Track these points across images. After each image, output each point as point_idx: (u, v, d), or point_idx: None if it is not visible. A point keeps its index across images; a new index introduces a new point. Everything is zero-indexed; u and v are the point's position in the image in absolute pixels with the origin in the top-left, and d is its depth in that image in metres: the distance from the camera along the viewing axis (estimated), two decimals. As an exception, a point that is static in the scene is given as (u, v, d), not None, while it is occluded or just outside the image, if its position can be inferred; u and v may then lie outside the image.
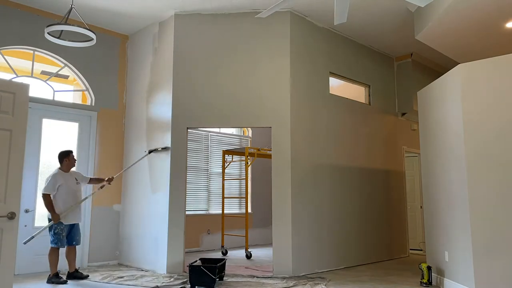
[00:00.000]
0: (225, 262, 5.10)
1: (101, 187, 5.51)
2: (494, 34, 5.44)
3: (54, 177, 5.01)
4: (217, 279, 4.81)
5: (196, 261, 5.02)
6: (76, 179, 5.22)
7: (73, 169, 5.30)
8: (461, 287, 4.31)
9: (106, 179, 5.49)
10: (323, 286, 4.74)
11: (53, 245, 4.94)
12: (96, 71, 6.29)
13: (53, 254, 4.96)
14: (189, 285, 4.64)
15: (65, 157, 5.14)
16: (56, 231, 4.93)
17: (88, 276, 5.15)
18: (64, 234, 4.99)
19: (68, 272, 5.12)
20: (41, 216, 5.57)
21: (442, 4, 4.77)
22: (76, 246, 5.20)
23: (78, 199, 5.17)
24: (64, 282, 4.88)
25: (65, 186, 5.02)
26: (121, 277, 5.19)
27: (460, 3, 4.62)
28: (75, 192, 5.16)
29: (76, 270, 5.15)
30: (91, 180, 5.44)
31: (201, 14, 5.82)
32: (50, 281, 4.90)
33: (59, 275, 4.98)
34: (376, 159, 6.98)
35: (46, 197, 4.93)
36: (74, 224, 5.12)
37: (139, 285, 4.79)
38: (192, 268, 4.63)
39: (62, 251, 5.17)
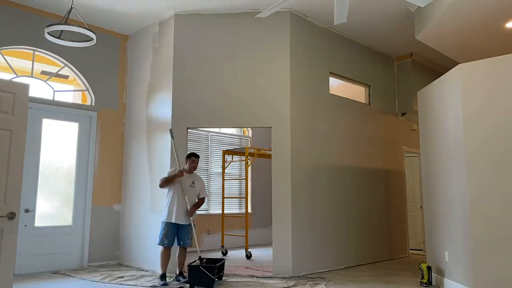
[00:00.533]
0: (224, 262, 5.11)
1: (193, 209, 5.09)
2: (494, 34, 5.44)
3: (174, 170, 5.01)
4: (216, 279, 4.82)
5: (195, 261, 5.02)
6: (193, 182, 5.07)
7: (197, 173, 5.22)
8: (461, 287, 4.31)
9: (191, 209, 4.98)
10: (323, 286, 4.74)
11: (158, 243, 4.90)
12: (96, 71, 6.28)
13: (161, 254, 4.89)
14: (188, 285, 4.64)
15: (187, 158, 5.12)
16: (161, 230, 4.88)
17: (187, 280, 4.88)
18: (165, 233, 4.82)
19: (176, 273, 5.02)
20: (41, 216, 5.58)
21: (442, 4, 4.77)
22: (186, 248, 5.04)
23: (191, 202, 4.97)
24: (165, 285, 4.74)
25: (179, 184, 4.93)
26: (121, 277, 5.19)
27: (460, 3, 4.62)
28: (188, 193, 4.97)
29: (181, 273, 4.98)
30: (196, 204, 5.09)
31: (201, 14, 5.82)
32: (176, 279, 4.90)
33: (165, 276, 4.85)
34: (376, 159, 6.98)
35: (163, 180, 4.87)
36: (180, 225, 4.92)
37: (139, 285, 4.79)
38: (191, 268, 4.63)
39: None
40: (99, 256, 6.08)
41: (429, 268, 4.94)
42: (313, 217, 5.73)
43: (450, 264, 4.61)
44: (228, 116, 5.64)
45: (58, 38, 4.82)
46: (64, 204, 5.88)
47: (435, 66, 7.96)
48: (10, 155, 2.90)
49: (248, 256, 6.83)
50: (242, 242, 8.35)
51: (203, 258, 5.06)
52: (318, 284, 4.86)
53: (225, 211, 7.53)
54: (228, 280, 5.06)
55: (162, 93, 5.87)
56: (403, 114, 7.61)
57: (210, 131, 8.35)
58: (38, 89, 5.83)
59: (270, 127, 5.59)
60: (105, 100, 6.35)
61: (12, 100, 2.95)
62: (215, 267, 4.63)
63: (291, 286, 4.72)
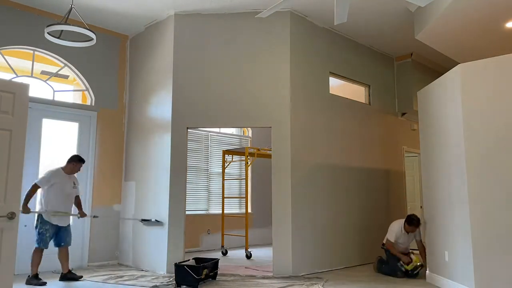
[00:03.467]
0: (217, 261, 5.14)
1: (78, 216, 5.27)
2: (494, 34, 5.44)
3: (51, 173, 4.96)
4: (210, 279, 4.92)
5: (189, 260, 5.07)
6: (74, 183, 5.15)
7: (75, 175, 5.23)
8: (461, 287, 4.31)
9: (80, 213, 5.22)
10: (320, 286, 4.73)
11: (35, 245, 4.87)
12: (96, 71, 6.29)
13: (35, 255, 4.87)
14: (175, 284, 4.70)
15: (75, 161, 5.10)
16: (40, 231, 4.86)
17: (81, 276, 5.06)
18: (48, 235, 4.88)
19: (61, 273, 5.05)
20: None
21: (442, 4, 4.77)
22: (69, 247, 5.09)
23: (71, 202, 5.11)
24: (43, 284, 4.76)
25: (59, 186, 4.96)
26: (121, 277, 5.19)
27: (460, 3, 4.62)
28: (70, 195, 5.09)
29: (69, 271, 5.07)
30: (76, 198, 5.24)
31: (201, 14, 5.82)
32: (28, 282, 4.79)
33: (39, 276, 4.86)
34: (376, 159, 6.97)
35: (33, 187, 4.87)
36: (61, 226, 5.00)
37: (139, 285, 4.79)
38: (177, 267, 4.68)
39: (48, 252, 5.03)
40: (99, 256, 6.08)
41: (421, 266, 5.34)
42: (313, 217, 5.73)
43: (450, 264, 4.61)
44: (228, 116, 5.64)
45: (58, 38, 4.82)
46: (64, 204, 5.87)
47: (435, 66, 7.96)
48: (10, 155, 2.90)
49: (248, 256, 6.83)
50: (242, 242, 8.35)
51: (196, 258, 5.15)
52: (315, 284, 4.85)
53: (225, 211, 7.53)
54: (223, 279, 5.06)
55: (162, 93, 5.87)
56: (403, 114, 7.60)
57: (210, 131, 8.35)
58: (38, 89, 5.83)
59: (270, 127, 5.60)
60: (105, 100, 6.35)
61: (12, 100, 2.95)
62: (200, 267, 4.67)
63: (287, 286, 4.72)
